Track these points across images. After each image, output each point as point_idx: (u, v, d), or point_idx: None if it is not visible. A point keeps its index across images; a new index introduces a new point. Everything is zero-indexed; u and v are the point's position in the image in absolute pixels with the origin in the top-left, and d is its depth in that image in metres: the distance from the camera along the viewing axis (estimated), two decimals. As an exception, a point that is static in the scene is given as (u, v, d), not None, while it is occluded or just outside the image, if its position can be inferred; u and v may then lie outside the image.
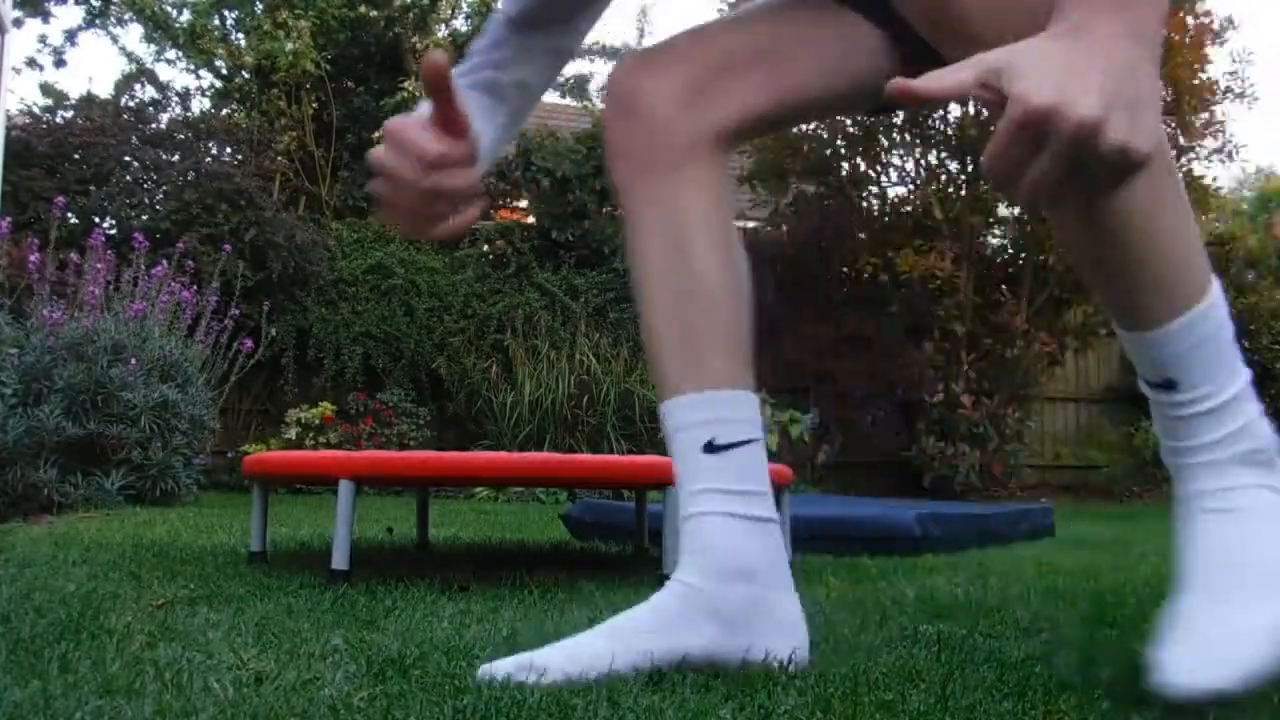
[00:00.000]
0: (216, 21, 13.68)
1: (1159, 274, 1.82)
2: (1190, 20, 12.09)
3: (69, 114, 11.71)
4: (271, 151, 12.33)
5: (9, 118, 10.17)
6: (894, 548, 5.28)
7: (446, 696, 2.08)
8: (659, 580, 3.92)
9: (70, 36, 14.40)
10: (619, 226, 12.09)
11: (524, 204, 13.13)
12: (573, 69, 14.91)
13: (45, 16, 14.40)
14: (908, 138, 12.82)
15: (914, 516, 5.49)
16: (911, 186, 13.18)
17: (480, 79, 2.21)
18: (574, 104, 15.08)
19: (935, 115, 12.69)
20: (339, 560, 3.71)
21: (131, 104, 12.62)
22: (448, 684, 2.16)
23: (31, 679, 2.17)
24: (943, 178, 13.01)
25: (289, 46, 12.33)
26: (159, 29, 13.76)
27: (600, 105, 14.64)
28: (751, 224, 14.01)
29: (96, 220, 10.24)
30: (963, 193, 12.70)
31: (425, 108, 1.79)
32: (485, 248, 12.08)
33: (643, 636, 2.15)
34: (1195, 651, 1.73)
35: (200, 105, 13.87)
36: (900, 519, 5.50)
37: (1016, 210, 13.38)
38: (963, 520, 5.95)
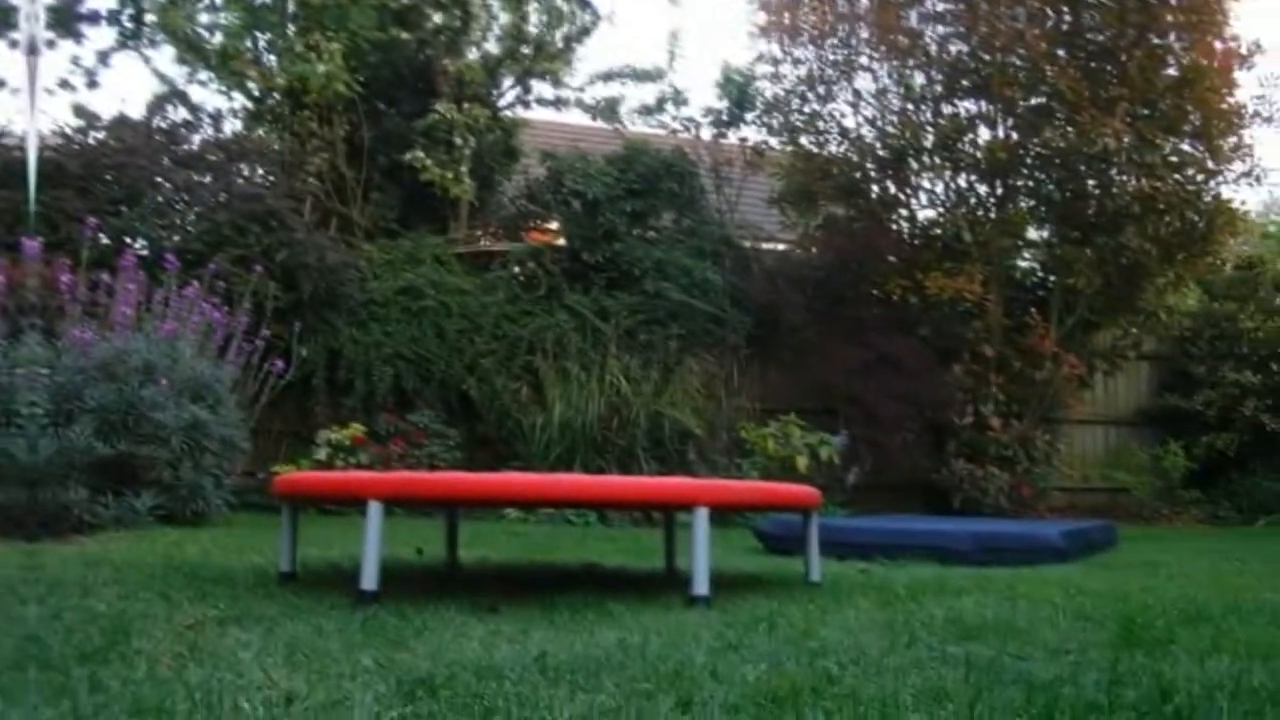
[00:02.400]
0: (249, 43, 13.74)
1: None
2: (1218, 45, 12.07)
3: (101, 135, 11.76)
4: (303, 173, 12.39)
5: (42, 138, 10.23)
6: (1039, 560, 6.34)
7: (476, 716, 2.09)
8: (687, 601, 3.92)
9: (103, 58, 14.50)
10: (648, 248, 12.11)
11: (555, 225, 13.14)
12: (604, 92, 14.92)
13: (78, 38, 14.51)
14: (937, 161, 12.81)
15: (1059, 533, 6.77)
16: (941, 209, 13.16)
17: None
18: (605, 127, 15.06)
19: (965, 138, 12.69)
20: (368, 581, 3.72)
21: (163, 125, 12.67)
22: (477, 704, 2.17)
23: (62, 698, 2.19)
24: (972, 201, 12.98)
25: (321, 68, 12.38)
26: (191, 50, 13.83)
27: (631, 127, 14.67)
28: (781, 246, 14.01)
29: (128, 241, 10.27)
30: (992, 216, 12.69)
31: None
32: (516, 269, 12.09)
33: None
34: None
35: (232, 126, 13.93)
36: (1046, 535, 6.74)
37: (1046, 233, 13.39)
38: (1081, 534, 7.32)
